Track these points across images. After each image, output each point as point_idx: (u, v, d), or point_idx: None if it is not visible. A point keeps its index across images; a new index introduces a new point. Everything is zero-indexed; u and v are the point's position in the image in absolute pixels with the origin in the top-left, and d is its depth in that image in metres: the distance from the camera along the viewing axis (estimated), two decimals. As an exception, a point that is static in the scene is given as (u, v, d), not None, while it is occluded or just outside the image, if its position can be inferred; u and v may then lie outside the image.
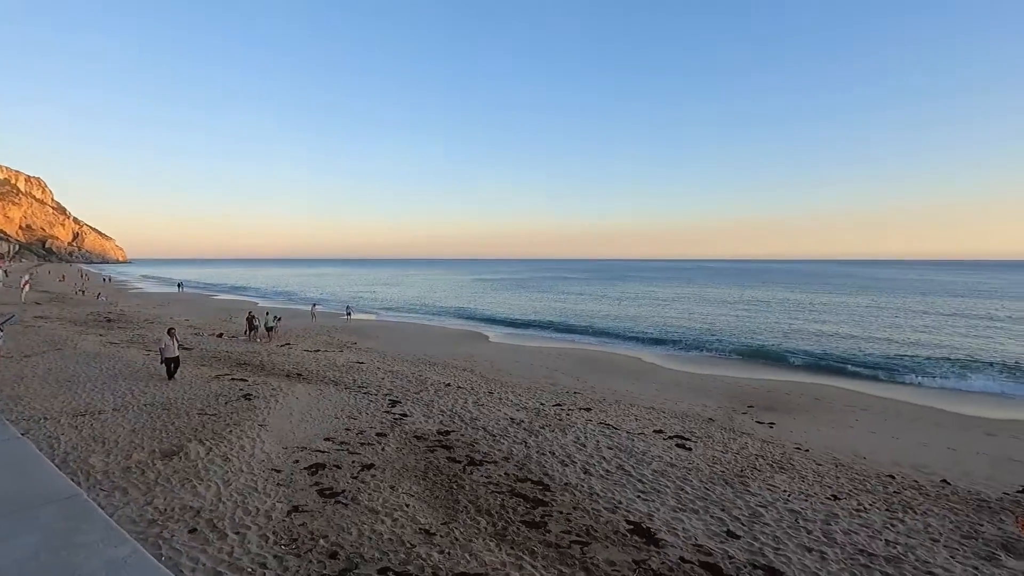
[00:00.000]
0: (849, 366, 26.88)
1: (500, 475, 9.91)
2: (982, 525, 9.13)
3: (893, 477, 11.68)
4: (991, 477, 12.15)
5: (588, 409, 16.19)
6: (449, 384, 18.41)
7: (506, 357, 26.73)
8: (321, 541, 7.00)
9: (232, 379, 16.80)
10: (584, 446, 12.07)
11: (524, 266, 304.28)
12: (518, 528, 7.79)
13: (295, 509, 7.92)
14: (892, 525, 8.81)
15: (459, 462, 10.47)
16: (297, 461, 9.96)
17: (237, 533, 7.12)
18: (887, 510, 9.56)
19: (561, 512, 8.46)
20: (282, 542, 6.95)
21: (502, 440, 12.13)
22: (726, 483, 10.34)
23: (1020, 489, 11.36)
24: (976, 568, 7.39)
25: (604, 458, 11.34)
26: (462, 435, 12.37)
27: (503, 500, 8.76)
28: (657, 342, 34.47)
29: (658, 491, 9.69)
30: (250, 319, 28.80)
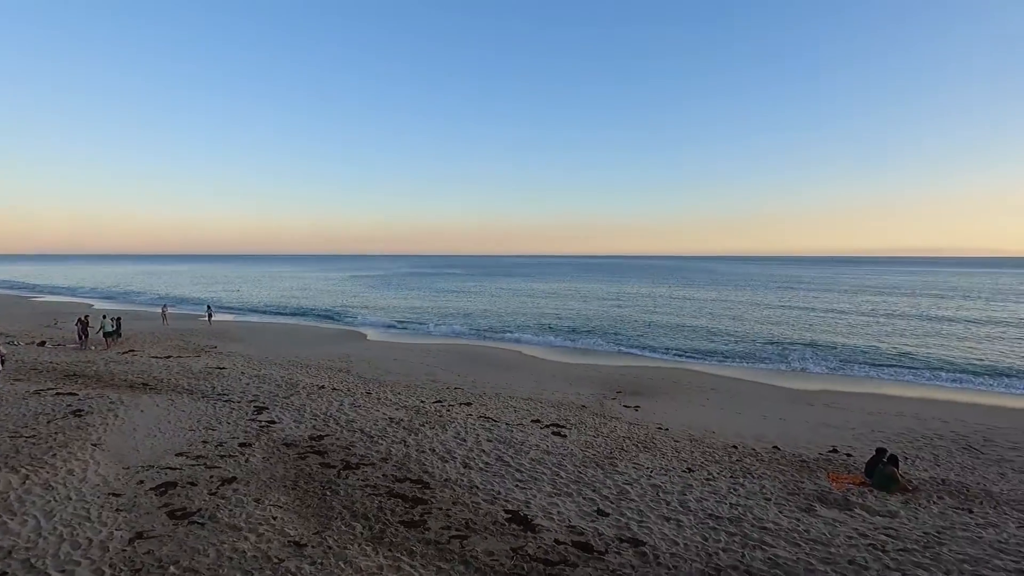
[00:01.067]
0: (702, 353, 29.95)
1: (378, 477, 9.63)
2: (803, 482, 10.67)
3: (736, 447, 13.21)
4: (811, 440, 14.23)
5: (468, 404, 16.31)
6: (323, 386, 17.50)
7: (385, 356, 26.03)
8: (171, 568, 6.28)
9: (57, 394, 14.48)
10: (464, 441, 12.14)
11: (405, 262, 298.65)
12: (396, 529, 7.62)
13: (139, 536, 7.02)
14: (735, 490, 9.96)
15: (333, 467, 10.00)
16: (142, 482, 8.85)
17: (62, 571, 6.15)
18: (731, 477, 10.79)
19: (441, 508, 8.43)
20: (122, 575, 6.13)
21: (380, 441, 11.80)
22: (597, 465, 10.99)
23: (831, 449, 13.46)
24: (798, 519, 8.61)
25: (484, 451, 11.49)
26: (337, 439, 11.82)
27: (381, 502, 8.52)
28: (535, 335, 35.68)
29: (535, 479, 10.04)
30: (82, 323, 25.03)
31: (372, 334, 35.38)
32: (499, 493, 9.22)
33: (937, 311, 51.66)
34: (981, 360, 27.94)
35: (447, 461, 10.73)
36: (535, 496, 9.18)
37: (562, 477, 10.20)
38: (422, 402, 16.11)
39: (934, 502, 9.88)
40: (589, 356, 28.57)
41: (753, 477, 10.84)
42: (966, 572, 6.90)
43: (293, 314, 48.96)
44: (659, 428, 14.82)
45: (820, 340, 33.80)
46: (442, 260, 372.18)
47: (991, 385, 22.88)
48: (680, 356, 29.18)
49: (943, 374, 24.77)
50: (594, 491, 9.56)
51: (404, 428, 12.91)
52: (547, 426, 14.05)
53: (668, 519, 8.49)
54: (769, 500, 9.50)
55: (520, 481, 9.88)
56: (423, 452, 11.20)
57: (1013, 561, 7.24)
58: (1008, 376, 24.29)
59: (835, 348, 31.10)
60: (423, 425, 13.24)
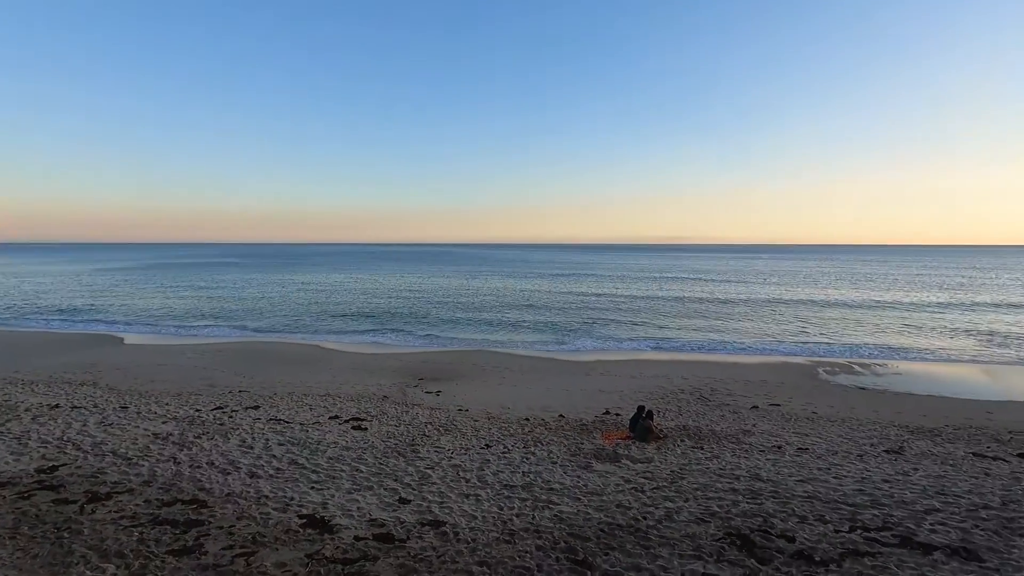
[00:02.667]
0: (497, 335, 31.83)
1: (137, 505, 8.16)
2: (583, 443, 12.09)
3: (528, 419, 14.37)
4: (589, 406, 16.19)
5: (256, 407, 14.81)
6: (58, 405, 14.17)
7: (147, 361, 22.17)
8: None
9: None
10: (251, 448, 11.00)
11: (175, 252, 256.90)
12: (163, 561, 6.56)
13: None
14: (527, 458, 10.83)
15: (74, 502, 8.17)
16: None
17: None
18: (524, 448, 11.70)
19: (222, 527, 7.50)
20: None
21: (140, 462, 10.01)
22: (399, 454, 10.94)
23: (605, 411, 15.49)
24: (579, 476, 9.73)
25: (275, 456, 10.56)
26: (79, 467, 9.69)
27: (142, 533, 7.24)
28: (330, 328, 33.92)
29: (333, 477, 9.57)
30: None
31: (130, 337, 29.79)
32: (292, 499, 8.57)
33: (682, 292, 62.95)
34: (712, 330, 34.95)
35: (229, 473, 9.59)
36: (333, 496, 8.75)
37: (362, 472, 9.90)
38: (198, 411, 14.12)
39: (678, 445, 12.08)
40: (390, 346, 28.21)
41: (543, 445, 11.92)
42: (698, 496, 8.58)
43: (16, 316, 38.62)
44: (459, 410, 15.35)
45: (596, 319, 38.60)
46: (220, 249, 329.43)
47: (716, 349, 28.78)
48: (476, 339, 30.59)
49: (688, 343, 30.37)
50: (396, 480, 9.50)
51: (174, 443, 11.16)
52: (346, 421, 13.50)
53: (468, 496, 8.85)
54: (556, 463, 10.55)
55: (316, 483, 9.32)
56: (199, 467, 9.82)
57: (727, 482, 9.23)
58: (726, 342, 30.84)
59: (607, 325, 35.84)
60: (199, 437, 11.62)
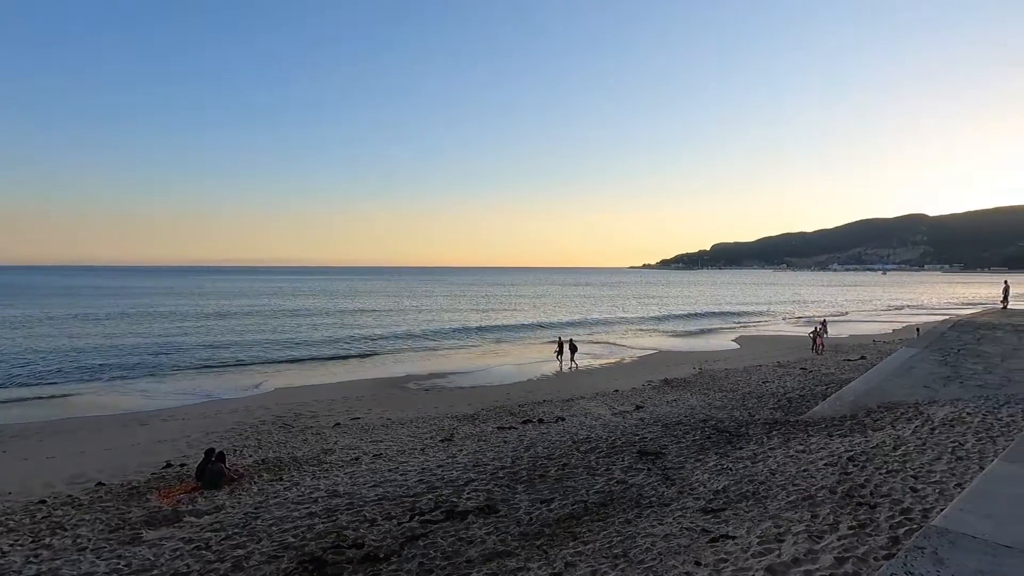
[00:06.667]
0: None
1: None
2: (130, 511, 9.79)
3: (45, 502, 10.70)
4: (143, 463, 13.30)
5: None
6: None
7: None
8: None
9: None
10: None
11: None
12: None
13: None
14: (36, 556, 7.99)
15: None
16: None
17: None
18: (33, 541, 8.62)
19: None
20: None
21: None
22: None
23: (165, 464, 13.04)
24: (120, 556, 7.77)
25: None
26: None
27: None
28: None
29: None
30: None
31: None
32: None
33: (252, 309, 59.82)
34: (289, 344, 34.31)
35: None
36: None
37: None
38: None
39: (255, 482, 11.23)
40: None
41: (66, 530, 9.05)
42: (274, 532, 8.12)
43: None
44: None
45: (146, 354, 32.47)
46: None
47: (284, 373, 28.41)
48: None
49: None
50: None
51: None
52: None
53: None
54: (85, 550, 8.15)
55: None
56: None
57: (306, 507, 9.09)
58: (303, 356, 30.91)
59: (158, 365, 30.58)
60: None
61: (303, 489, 10.34)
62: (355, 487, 10.18)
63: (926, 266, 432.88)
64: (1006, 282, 27.50)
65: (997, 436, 8.70)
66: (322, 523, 8.27)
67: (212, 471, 11.00)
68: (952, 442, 8.59)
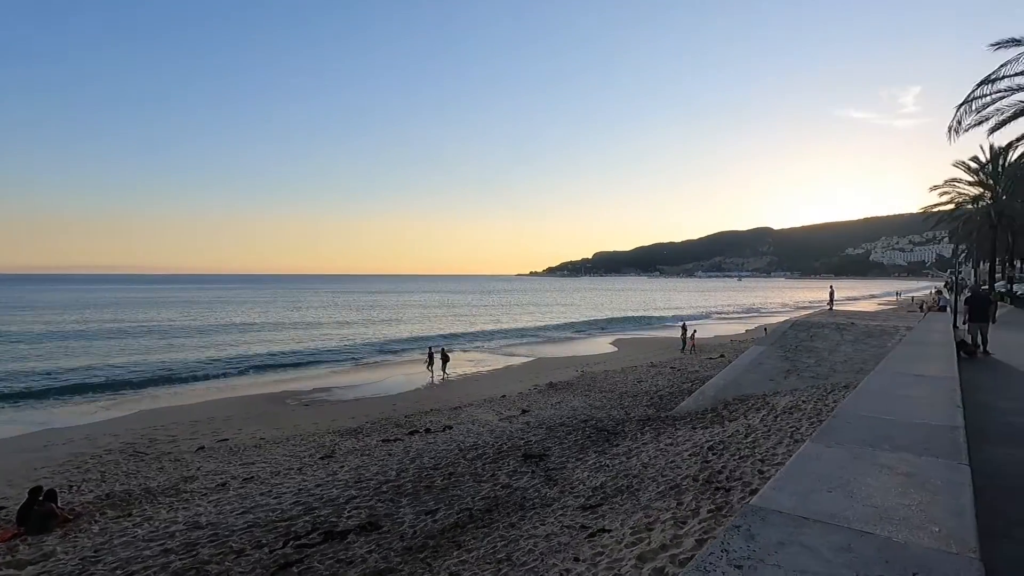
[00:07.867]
0: None
1: None
2: (-74, 572, 8.08)
3: None
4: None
5: None
6: None
7: None
8: None
9: None
10: None
11: None
12: None
13: None
14: None
15: None
16: None
17: None
18: None
19: None
20: None
21: None
22: None
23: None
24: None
25: None
26: None
27: None
28: None
29: None
30: None
31: None
32: None
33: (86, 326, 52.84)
34: (147, 365, 30.64)
35: None
36: None
37: None
38: None
39: (96, 521, 9.80)
40: None
41: None
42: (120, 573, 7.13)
43: None
44: None
45: None
46: None
47: (140, 394, 25.35)
48: None
49: (112, 392, 25.43)
50: None
51: None
52: None
53: None
54: None
55: None
56: None
57: (160, 544, 8.09)
58: (164, 377, 27.81)
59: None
60: None
61: (157, 524, 9.20)
62: (220, 516, 9.26)
63: (772, 273, 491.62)
64: (831, 287, 32.24)
65: (824, 420, 10.06)
66: (179, 560, 7.40)
67: (39, 513, 9.41)
68: (791, 427, 9.76)
